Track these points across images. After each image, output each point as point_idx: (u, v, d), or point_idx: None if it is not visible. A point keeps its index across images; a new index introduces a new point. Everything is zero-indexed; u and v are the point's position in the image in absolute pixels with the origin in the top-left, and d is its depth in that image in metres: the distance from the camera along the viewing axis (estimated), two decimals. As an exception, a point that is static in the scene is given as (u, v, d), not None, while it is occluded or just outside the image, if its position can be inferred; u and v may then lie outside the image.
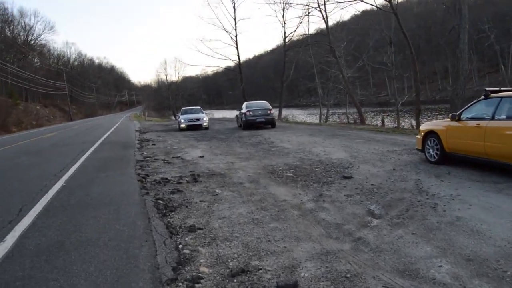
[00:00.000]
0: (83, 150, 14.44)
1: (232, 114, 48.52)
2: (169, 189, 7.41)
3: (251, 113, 21.40)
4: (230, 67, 48.92)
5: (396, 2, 23.02)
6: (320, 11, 27.79)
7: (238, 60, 42.06)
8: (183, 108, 28.34)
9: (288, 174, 8.60)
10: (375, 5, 24.15)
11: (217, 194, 6.89)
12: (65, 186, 7.92)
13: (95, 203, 6.41)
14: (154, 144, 16.23)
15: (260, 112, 21.52)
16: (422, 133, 9.05)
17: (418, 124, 20.14)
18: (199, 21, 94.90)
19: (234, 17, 39.53)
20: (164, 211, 5.88)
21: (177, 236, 4.80)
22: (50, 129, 41.81)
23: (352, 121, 26.87)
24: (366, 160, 9.67)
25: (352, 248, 4.32)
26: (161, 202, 6.43)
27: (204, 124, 24.09)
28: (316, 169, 8.92)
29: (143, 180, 8.37)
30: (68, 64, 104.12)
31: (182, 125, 23.93)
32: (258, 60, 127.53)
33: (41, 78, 72.32)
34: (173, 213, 5.83)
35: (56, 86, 77.06)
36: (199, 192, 7.15)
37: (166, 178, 8.49)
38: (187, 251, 4.29)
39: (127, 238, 4.64)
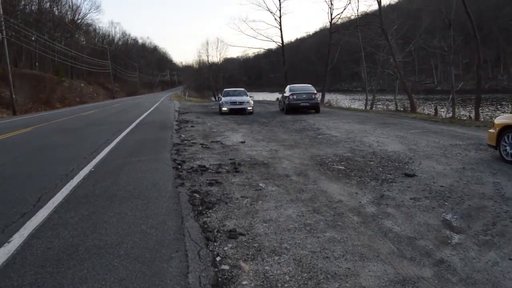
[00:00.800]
0: (119, 130, 13.94)
1: (272, 96, 47.56)
2: (207, 180, 6.61)
3: (295, 96, 20.33)
4: (271, 49, 47.77)
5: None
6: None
7: (281, 42, 40.86)
8: (226, 89, 25.56)
9: (340, 167, 7.63)
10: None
11: (261, 189, 6.02)
12: (93, 171, 7.28)
13: (122, 194, 5.68)
14: (192, 126, 15.54)
15: (304, 96, 20.43)
16: (497, 128, 7.82)
17: (478, 115, 18.54)
18: (242, 1, 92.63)
19: (279, -3, 38.22)
20: (200, 208, 5.08)
21: (215, 243, 3.98)
22: (91, 106, 42.20)
23: (401, 109, 25.29)
24: (427, 154, 8.54)
25: (436, 275, 3.37)
26: (197, 196, 5.64)
27: (249, 108, 21.47)
28: (371, 163, 7.90)
29: (179, 167, 7.63)
30: (113, 44, 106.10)
31: (224, 109, 21.47)
32: (300, 43, 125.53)
33: (86, 56, 73.73)
34: (210, 211, 5.01)
35: (100, 64, 78.44)
36: (240, 185, 6.31)
37: (204, 166, 7.71)
38: (227, 267, 3.46)
39: (154, 245, 3.85)
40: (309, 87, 21.91)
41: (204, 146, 10.35)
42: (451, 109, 22.60)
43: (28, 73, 52.89)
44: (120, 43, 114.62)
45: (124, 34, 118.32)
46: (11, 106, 34.22)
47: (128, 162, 8.15)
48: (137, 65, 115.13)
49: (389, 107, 31.60)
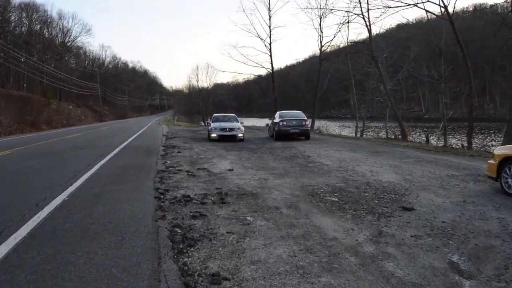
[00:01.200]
0: (103, 155, 13.37)
1: (262, 122, 47.37)
2: (190, 212, 6.11)
3: (285, 123, 20.00)
4: (261, 75, 47.88)
5: (452, 10, 21.28)
6: (363, 18, 26.15)
7: (271, 68, 40.87)
8: (215, 114, 24.25)
9: (333, 198, 7.19)
10: (429, 11, 22.32)
11: (248, 223, 5.53)
12: (66, 201, 6.71)
13: (95, 229, 5.13)
14: (179, 152, 15.04)
15: (294, 122, 20.11)
16: (498, 159, 7.47)
17: (470, 144, 18.31)
18: (233, 27, 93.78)
19: (269, 25, 38.39)
20: (180, 246, 4.57)
21: (195, 291, 3.47)
22: (78, 129, 41.55)
23: (392, 137, 25.11)
24: (424, 186, 8.14)
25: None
26: (178, 231, 5.13)
27: (239, 135, 20.05)
28: (366, 194, 7.48)
29: (161, 197, 7.12)
30: (103, 67, 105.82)
31: (213, 135, 20.03)
32: (290, 70, 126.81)
33: (75, 79, 73.52)
34: (192, 249, 4.51)
35: (89, 87, 78.34)
36: (226, 218, 5.82)
37: (189, 196, 7.21)
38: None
39: (124, 295, 3.33)
40: (299, 114, 21.63)
41: (190, 173, 9.85)
42: (443, 137, 22.45)
43: (15, 94, 52.23)
44: (111, 66, 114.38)
45: (114, 57, 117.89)
46: (-6, 128, 33.56)
47: (107, 190, 7.59)
48: (126, 89, 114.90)
49: (380, 134, 31.47)
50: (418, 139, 24.07)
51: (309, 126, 20.71)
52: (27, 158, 13.42)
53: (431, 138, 23.97)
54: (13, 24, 62.59)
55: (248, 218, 5.81)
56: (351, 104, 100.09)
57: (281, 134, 20.22)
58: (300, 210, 6.35)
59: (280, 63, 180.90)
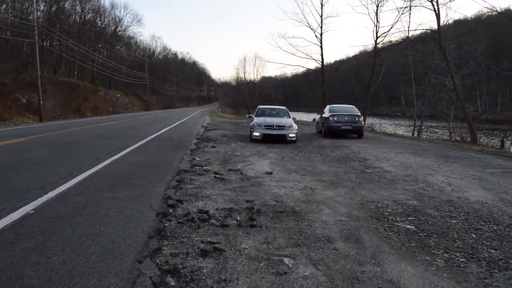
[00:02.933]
0: (122, 147, 11.65)
1: (309, 117, 45.07)
2: (202, 242, 4.18)
3: (336, 118, 17.68)
4: (310, 69, 45.43)
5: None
6: (432, 1, 23.04)
7: (321, 60, 38.33)
8: (260, 106, 19.22)
9: (408, 226, 5.08)
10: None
11: (285, 272, 3.52)
12: (28, 216, 4.85)
13: (32, 277, 3.23)
14: (213, 147, 13.19)
15: (346, 118, 17.76)
16: None
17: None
18: (282, 16, 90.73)
19: (320, 14, 35.90)
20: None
21: None
22: (119, 117, 40.83)
23: (457, 138, 22.19)
24: (536, 212, 5.83)
25: None
26: (171, 283, 3.20)
27: (291, 135, 15.39)
28: (453, 221, 5.31)
29: (169, 212, 5.24)
30: (153, 57, 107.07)
31: (256, 134, 15.42)
32: (339, 65, 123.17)
33: (124, 68, 73.91)
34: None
35: (138, 76, 78.87)
36: (252, 258, 3.83)
37: (207, 212, 5.28)
38: None
39: None
40: (352, 108, 19.28)
41: (218, 176, 7.92)
42: (517, 141, 19.41)
43: (63, 80, 52.65)
44: (160, 56, 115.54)
45: (164, 48, 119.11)
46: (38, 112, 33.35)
47: (97, 200, 5.70)
48: (175, 79, 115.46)
49: (439, 135, 28.46)
50: (489, 143, 20.98)
51: (363, 123, 18.29)
52: (36, 147, 11.87)
53: (507, 141, 20.75)
54: (68, 13, 63.08)
55: (286, 260, 3.78)
56: (402, 102, 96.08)
57: (331, 131, 17.95)
58: (363, 246, 4.28)
59: (329, 58, 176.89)
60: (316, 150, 13.11)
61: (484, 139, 23.76)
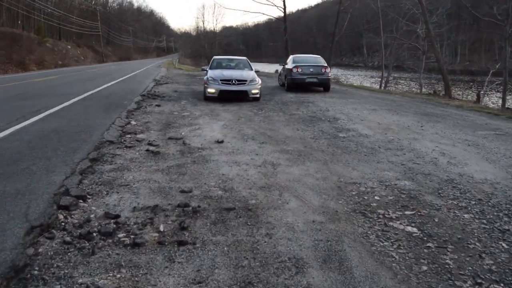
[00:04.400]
0: (40, 109, 9.33)
1: (271, 68, 43.06)
2: (86, 289, 2.46)
3: (300, 70, 15.84)
4: (272, 18, 43.10)
5: None
6: None
7: (283, 7, 36.10)
8: (215, 57, 16.12)
9: (409, 228, 3.56)
10: None
11: None
12: None
13: None
14: (159, 105, 11.21)
15: (311, 69, 15.95)
16: None
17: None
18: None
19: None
20: None
21: None
22: (65, 70, 37.47)
23: (430, 91, 20.87)
24: None
25: None
26: None
27: (254, 91, 12.76)
28: (467, 217, 3.84)
29: (52, 225, 3.39)
30: (107, 6, 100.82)
31: (210, 90, 12.63)
32: (301, 14, 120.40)
33: (74, 17, 68.94)
34: None
35: (90, 26, 74.18)
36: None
37: (117, 217, 3.52)
38: None
39: None
40: (317, 59, 17.45)
41: (152, 148, 6.07)
42: (489, 95, 18.10)
43: (4, 30, 47.85)
44: (115, 5, 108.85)
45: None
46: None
47: None
48: (131, 29, 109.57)
49: (409, 88, 27.27)
50: (462, 97, 19.64)
51: (329, 75, 16.57)
52: None
53: (482, 95, 19.38)
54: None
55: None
56: (364, 52, 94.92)
57: (294, 84, 16.16)
58: (352, 278, 2.70)
59: (291, 7, 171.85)
60: (278, 108, 11.38)
61: (456, 92, 22.55)
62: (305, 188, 4.53)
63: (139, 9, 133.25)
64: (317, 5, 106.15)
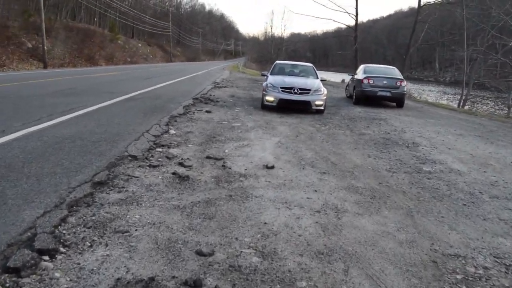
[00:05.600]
0: (74, 108, 8.32)
1: (337, 77, 41.13)
2: None
3: (372, 81, 14.04)
4: (341, 27, 41.30)
5: None
6: None
7: (355, 13, 34.12)
8: (278, 62, 15.22)
9: None
10: None
11: None
12: None
13: None
14: (208, 112, 9.96)
15: (385, 82, 14.10)
16: None
17: None
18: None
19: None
20: None
21: None
22: (130, 67, 37.76)
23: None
24: None
25: None
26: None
27: (318, 102, 11.11)
28: None
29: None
30: (180, 8, 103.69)
31: (269, 98, 11.17)
32: (372, 24, 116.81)
33: (147, 17, 70.83)
34: None
35: (162, 26, 76.25)
36: None
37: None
38: None
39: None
40: (392, 70, 15.57)
41: (179, 172, 4.74)
42: None
43: (80, 26, 49.59)
44: (187, 7, 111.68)
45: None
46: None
47: None
48: (201, 31, 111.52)
49: (491, 109, 24.50)
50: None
51: (405, 89, 14.63)
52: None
53: None
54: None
55: None
56: (436, 66, 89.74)
57: (364, 96, 14.38)
58: None
59: (361, 17, 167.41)
60: (345, 124, 9.79)
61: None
62: (383, 260, 3.01)
63: (210, 12, 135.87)
64: (389, 16, 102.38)
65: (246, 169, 5.12)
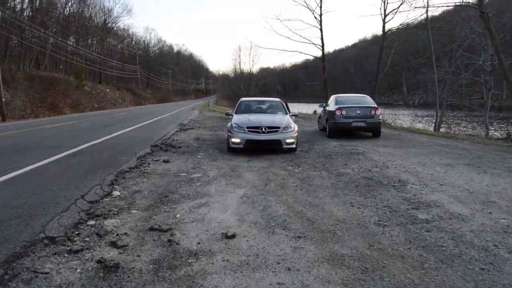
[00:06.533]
0: (1, 171, 7.23)
1: (309, 108, 40.70)
2: None
3: (345, 112, 13.18)
4: (309, 59, 41.24)
5: None
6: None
7: (321, 44, 33.84)
8: (243, 99, 13.98)
9: None
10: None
11: None
12: None
13: None
14: (166, 161, 8.77)
15: (358, 112, 13.26)
16: None
17: None
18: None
19: (319, -9, 31.37)
20: None
21: None
22: (94, 114, 36.63)
23: (500, 135, 17.67)
24: None
25: None
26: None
27: (288, 140, 10.19)
28: None
29: None
30: (148, 50, 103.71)
31: (235, 140, 10.21)
32: (338, 54, 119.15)
33: (115, 62, 70.26)
34: None
35: (131, 70, 75.76)
36: None
37: None
38: None
39: None
40: (364, 99, 14.82)
41: (107, 260, 3.52)
42: None
43: (43, 75, 48.24)
44: (155, 49, 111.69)
45: (159, 40, 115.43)
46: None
47: None
48: (170, 72, 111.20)
49: (467, 130, 24.09)
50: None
51: (380, 117, 13.87)
52: None
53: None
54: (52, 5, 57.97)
55: None
56: (404, 90, 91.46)
57: (338, 129, 13.53)
58: None
59: (328, 47, 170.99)
60: (320, 163, 8.76)
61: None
62: None
63: (179, 52, 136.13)
64: (354, 45, 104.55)
65: (199, 243, 3.98)
